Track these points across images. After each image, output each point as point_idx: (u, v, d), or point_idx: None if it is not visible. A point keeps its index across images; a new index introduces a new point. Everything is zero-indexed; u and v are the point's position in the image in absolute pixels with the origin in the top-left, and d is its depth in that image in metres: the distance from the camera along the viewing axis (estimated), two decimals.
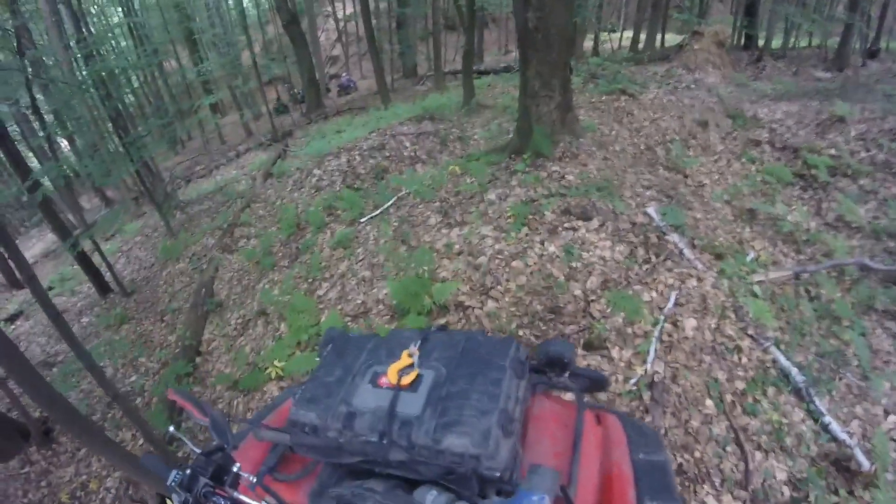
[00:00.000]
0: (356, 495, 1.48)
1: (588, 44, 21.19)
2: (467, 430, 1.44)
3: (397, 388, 1.64)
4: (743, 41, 17.18)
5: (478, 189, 7.48)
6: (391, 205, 8.32)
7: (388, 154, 10.13)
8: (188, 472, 1.57)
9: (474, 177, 7.92)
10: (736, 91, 11.78)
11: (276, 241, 9.12)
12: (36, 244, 21.51)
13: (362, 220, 8.26)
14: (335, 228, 8.42)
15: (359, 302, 6.42)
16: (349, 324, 6.09)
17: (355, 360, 1.84)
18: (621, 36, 24.12)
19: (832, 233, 6.76)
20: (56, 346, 10.49)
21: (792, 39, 18.20)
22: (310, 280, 7.57)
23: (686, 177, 7.87)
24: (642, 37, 19.05)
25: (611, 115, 9.87)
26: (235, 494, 1.59)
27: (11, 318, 13.16)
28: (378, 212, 8.28)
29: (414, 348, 1.79)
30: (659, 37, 18.64)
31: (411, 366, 1.72)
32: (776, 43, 17.67)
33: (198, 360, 7.92)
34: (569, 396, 3.02)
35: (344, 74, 27.12)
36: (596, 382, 2.18)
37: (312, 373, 1.88)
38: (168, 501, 1.60)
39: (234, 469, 1.63)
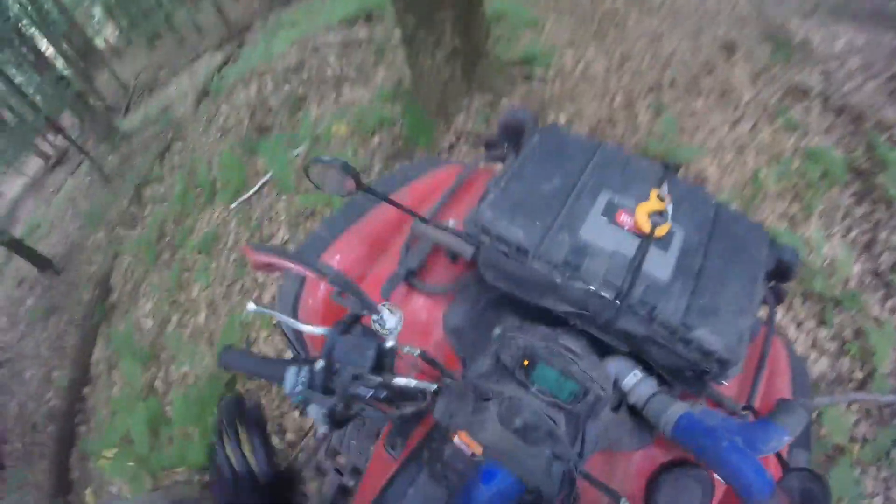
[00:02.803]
0: (550, 351, 1.05)
1: None
2: (723, 326, 1.05)
3: (646, 237, 1.17)
4: None
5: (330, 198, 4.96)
6: (254, 192, 5.83)
7: (306, 76, 7.37)
8: (321, 363, 1.03)
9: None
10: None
11: (170, 215, 6.97)
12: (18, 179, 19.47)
13: (233, 205, 5.70)
14: (212, 211, 5.84)
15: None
16: None
17: (578, 171, 1.30)
18: None
19: (880, 296, 3.86)
20: (5, 337, 9.16)
21: None
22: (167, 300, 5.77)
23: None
24: None
25: (593, 26, 6.50)
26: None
27: None
28: (247, 195, 5.82)
29: (665, 191, 1.25)
30: None
31: (661, 213, 1.20)
32: None
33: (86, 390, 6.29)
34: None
35: None
36: (786, 268, 1.35)
37: (513, 167, 1.31)
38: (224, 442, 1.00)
39: (391, 337, 1.08)
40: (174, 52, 16.34)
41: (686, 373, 1.10)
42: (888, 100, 5.29)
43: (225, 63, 10.96)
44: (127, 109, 14.01)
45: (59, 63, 15.04)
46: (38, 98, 11.34)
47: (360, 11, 8.15)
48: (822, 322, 3.66)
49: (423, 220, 1.39)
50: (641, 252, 1.15)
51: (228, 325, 4.77)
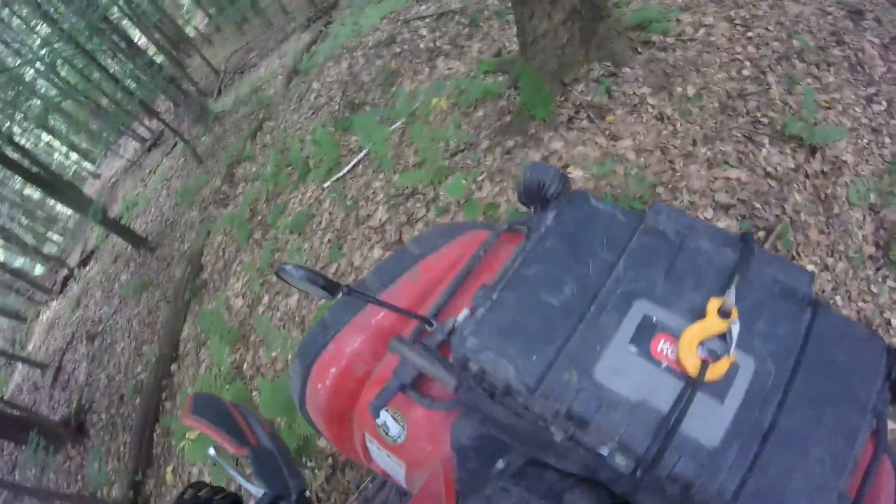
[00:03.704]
0: None
1: None
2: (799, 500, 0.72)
3: (692, 381, 0.80)
4: None
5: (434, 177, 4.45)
6: (349, 170, 5.39)
7: (398, 50, 6.87)
8: None
9: (443, 139, 4.73)
10: None
11: (262, 194, 6.69)
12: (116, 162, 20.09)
13: (326, 183, 5.36)
14: (304, 190, 5.47)
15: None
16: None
17: (604, 270, 0.94)
18: None
19: None
20: (100, 311, 9.37)
21: None
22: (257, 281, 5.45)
23: (814, 153, 3.81)
24: None
25: None
26: None
27: (85, 261, 12.77)
28: (341, 173, 5.44)
29: (732, 300, 0.85)
30: None
31: (723, 336, 0.83)
32: None
33: (173, 367, 6.16)
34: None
35: None
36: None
37: (513, 266, 0.98)
38: None
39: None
40: (262, 35, 16.34)
41: None
42: None
43: (314, 42, 10.72)
44: (219, 92, 14.07)
45: (152, 51, 15.29)
46: (132, 84, 11.34)
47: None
48: None
49: (424, 320, 1.16)
50: (682, 404, 0.80)
51: (320, 310, 4.38)
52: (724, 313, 0.86)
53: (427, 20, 7.05)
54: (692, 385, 0.81)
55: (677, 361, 0.84)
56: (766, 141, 3.87)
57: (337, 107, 6.61)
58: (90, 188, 19.75)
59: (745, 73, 4.44)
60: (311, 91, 7.67)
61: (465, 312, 1.09)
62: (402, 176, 4.62)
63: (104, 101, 13.73)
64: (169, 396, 5.93)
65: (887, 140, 3.92)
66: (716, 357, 0.83)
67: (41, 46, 10.64)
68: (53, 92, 14.85)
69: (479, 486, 0.96)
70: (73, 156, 25.47)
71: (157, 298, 7.66)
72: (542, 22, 3.96)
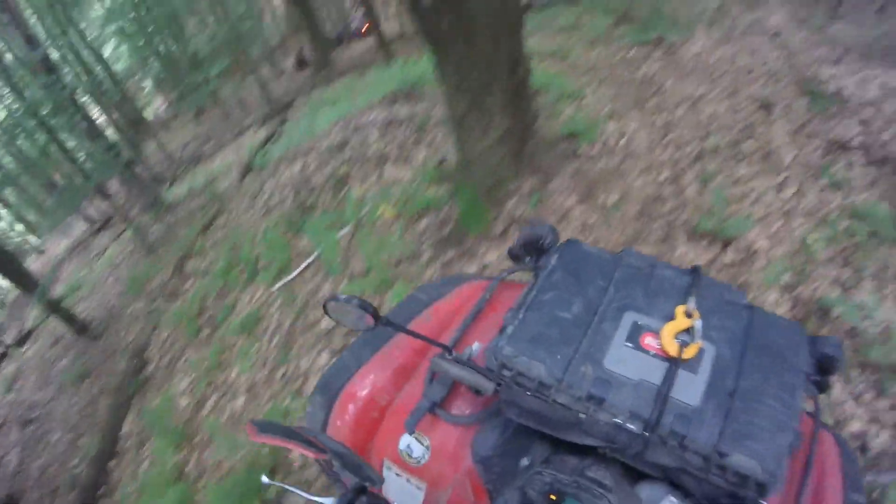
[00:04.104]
0: (578, 486, 1.03)
1: None
2: (760, 448, 1.00)
3: (673, 361, 1.12)
4: None
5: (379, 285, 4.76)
6: (298, 274, 5.60)
7: (349, 155, 7.20)
8: None
9: (388, 248, 5.03)
10: (809, 39, 8.01)
11: (211, 291, 6.74)
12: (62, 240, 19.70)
13: (276, 286, 5.54)
14: (254, 290, 5.59)
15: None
16: None
17: (600, 293, 1.27)
18: None
19: None
20: (35, 396, 8.93)
21: None
22: (204, 380, 5.45)
23: (727, 245, 4.33)
24: None
25: (632, 94, 6.35)
26: None
27: (22, 341, 12.03)
28: (291, 276, 5.61)
29: (693, 306, 1.21)
30: None
31: (690, 332, 1.17)
32: None
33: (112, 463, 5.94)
34: None
35: (355, 16, 21.24)
36: (829, 362, 1.27)
37: (531, 294, 1.28)
38: None
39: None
40: (220, 126, 16.66)
41: (723, 500, 1.04)
42: None
43: (268, 139, 11.04)
44: (172, 181, 14.08)
45: (110, 131, 15.34)
46: (87, 164, 11.37)
47: (401, 89, 8.11)
48: (880, 393, 3.28)
49: (446, 348, 1.35)
50: (669, 378, 1.10)
51: (269, 413, 4.44)
52: (688, 314, 1.18)
53: (377, 127, 7.40)
54: (674, 364, 1.11)
55: (661, 349, 1.14)
56: (681, 240, 4.30)
57: (289, 208, 6.82)
58: (33, 263, 19.22)
59: (663, 177, 4.94)
60: (264, 190, 7.84)
61: (476, 345, 1.40)
62: (349, 284, 4.82)
63: (58, 177, 13.61)
64: (107, 492, 5.68)
65: (798, 221, 4.38)
66: (687, 344, 1.14)
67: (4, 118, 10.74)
68: (10, 162, 14.73)
69: (510, 481, 1.14)
70: (19, 227, 24.83)
71: (98, 390, 7.42)
72: (476, 143, 4.34)
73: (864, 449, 2.92)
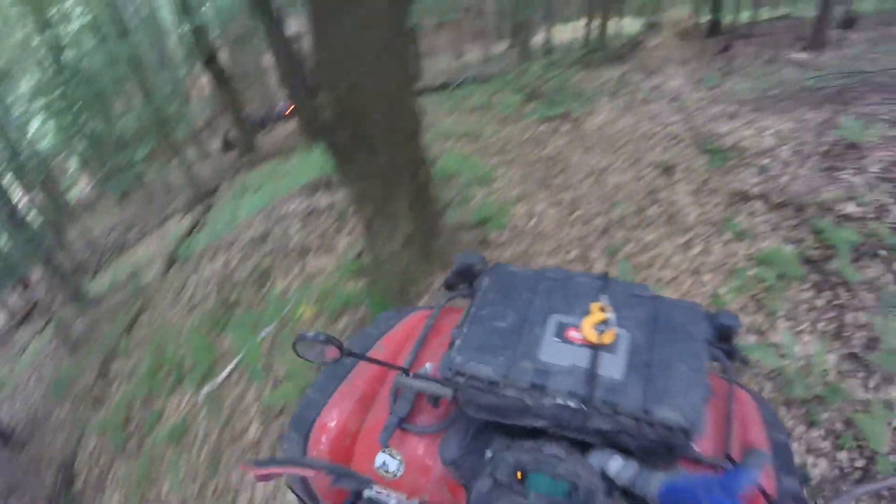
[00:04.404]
0: (538, 461, 1.22)
1: (540, 35, 17.91)
2: (678, 402, 1.21)
3: (595, 347, 1.34)
4: (708, 26, 13.98)
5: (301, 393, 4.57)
6: (223, 379, 5.37)
7: (271, 248, 7.14)
8: None
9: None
10: (705, 97, 8.52)
11: (137, 397, 6.41)
12: None
13: (202, 393, 5.32)
14: (181, 396, 5.41)
15: None
16: None
17: (528, 303, 1.50)
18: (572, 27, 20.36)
19: (861, 379, 3.64)
20: None
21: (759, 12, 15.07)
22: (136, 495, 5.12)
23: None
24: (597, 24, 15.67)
25: (541, 172, 6.60)
26: None
27: None
28: (215, 384, 5.39)
29: (605, 301, 1.45)
30: (614, 25, 15.50)
31: (605, 322, 1.39)
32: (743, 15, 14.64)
33: None
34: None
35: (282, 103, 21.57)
36: (727, 330, 1.61)
37: (471, 312, 1.50)
38: None
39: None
40: (144, 210, 16.31)
41: (659, 449, 1.19)
42: (824, 179, 5.35)
43: (193, 228, 10.90)
44: (96, 271, 13.64)
45: (32, 214, 14.87)
46: (6, 251, 10.97)
47: (321, 177, 8.09)
48: (811, 424, 3.41)
49: (404, 370, 1.51)
50: (594, 360, 1.29)
51: None
52: (602, 309, 1.38)
53: (298, 216, 7.40)
54: (596, 348, 1.30)
55: (584, 339, 1.33)
56: None
57: (212, 305, 6.65)
58: None
59: (572, 255, 5.09)
60: (187, 286, 7.66)
61: (429, 365, 1.56)
62: (272, 392, 4.71)
63: None
64: None
65: (708, 277, 4.60)
66: (604, 332, 1.33)
67: None
68: None
69: (480, 472, 1.26)
70: None
71: None
72: (384, 247, 4.36)
73: (805, 480, 2.94)
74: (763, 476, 1.27)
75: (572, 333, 1.38)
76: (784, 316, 4.19)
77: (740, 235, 5.03)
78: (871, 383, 3.54)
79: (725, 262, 4.78)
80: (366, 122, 3.76)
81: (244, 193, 10.88)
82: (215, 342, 5.96)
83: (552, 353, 1.35)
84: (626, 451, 1.23)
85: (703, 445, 1.35)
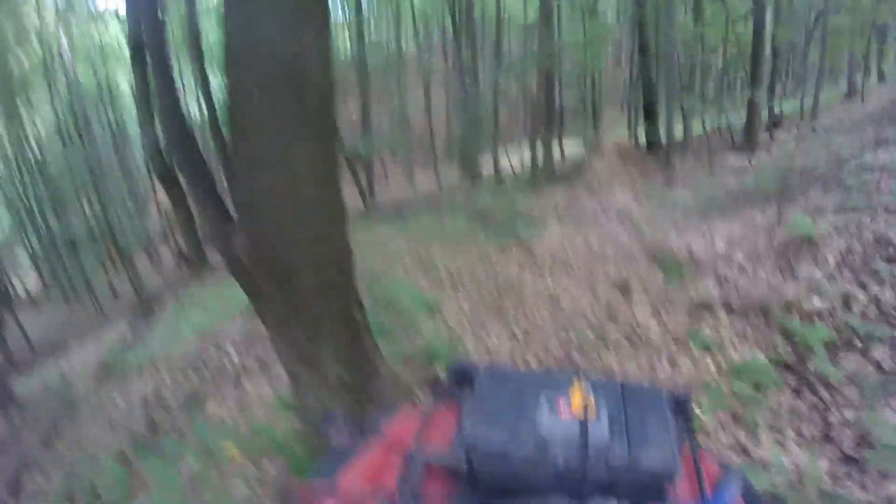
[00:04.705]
0: None
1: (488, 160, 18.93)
2: (657, 451, 1.41)
3: (582, 418, 1.50)
4: (646, 144, 14.68)
5: None
6: None
7: (205, 371, 6.61)
8: None
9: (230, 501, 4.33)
10: (654, 211, 8.63)
11: None
12: None
13: None
14: None
15: None
16: None
17: (520, 389, 1.67)
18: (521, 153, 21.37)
19: (857, 481, 3.38)
20: None
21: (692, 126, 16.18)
22: None
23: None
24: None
25: (493, 301, 6.33)
26: None
27: None
28: None
29: (585, 383, 1.64)
30: (558, 151, 16.30)
31: (587, 399, 1.57)
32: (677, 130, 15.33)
33: None
34: None
35: None
36: (684, 404, 1.86)
37: (473, 398, 1.67)
38: None
39: None
40: (88, 314, 15.78)
41: (648, 492, 1.35)
42: (782, 276, 5.28)
43: (130, 341, 10.50)
44: (27, 371, 13.00)
45: None
46: None
47: None
48: None
49: (418, 447, 1.58)
50: (584, 429, 1.41)
51: None
52: (582, 389, 1.49)
53: (235, 341, 6.97)
54: (585, 421, 1.38)
55: (572, 412, 1.42)
56: None
57: (137, 429, 5.99)
58: None
59: None
60: (115, 402, 7.03)
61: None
62: None
63: None
64: None
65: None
66: (588, 406, 1.42)
67: None
68: None
69: None
70: None
71: None
72: (306, 396, 3.80)
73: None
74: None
75: (562, 409, 1.50)
76: (766, 427, 3.96)
77: (707, 347, 4.83)
78: (869, 482, 3.31)
79: (697, 378, 4.55)
80: (286, 265, 3.32)
81: (188, 309, 10.39)
82: (132, 472, 5.36)
83: (549, 426, 1.46)
84: (619, 499, 1.36)
85: (681, 488, 1.48)
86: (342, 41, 30.82)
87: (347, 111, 21.67)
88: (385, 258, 8.30)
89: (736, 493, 1.33)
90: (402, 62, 26.85)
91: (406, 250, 8.63)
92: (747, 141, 12.94)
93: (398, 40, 27.38)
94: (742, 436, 3.93)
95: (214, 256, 16.43)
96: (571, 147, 17.84)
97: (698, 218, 7.62)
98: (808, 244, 5.56)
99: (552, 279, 6.48)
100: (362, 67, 19.04)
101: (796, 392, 4.21)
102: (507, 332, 5.52)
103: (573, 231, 8.11)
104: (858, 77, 17.62)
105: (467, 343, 5.35)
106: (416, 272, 7.52)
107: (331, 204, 3.50)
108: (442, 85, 27.69)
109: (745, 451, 3.80)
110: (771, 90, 14.71)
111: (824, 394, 4.10)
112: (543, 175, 13.44)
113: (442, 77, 28.16)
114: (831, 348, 4.40)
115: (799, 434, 3.84)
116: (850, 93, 17.83)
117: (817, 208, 6.27)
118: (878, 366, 4.21)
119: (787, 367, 4.42)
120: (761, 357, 4.56)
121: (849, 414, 3.82)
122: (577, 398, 1.55)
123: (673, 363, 4.79)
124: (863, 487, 3.30)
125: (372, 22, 32.20)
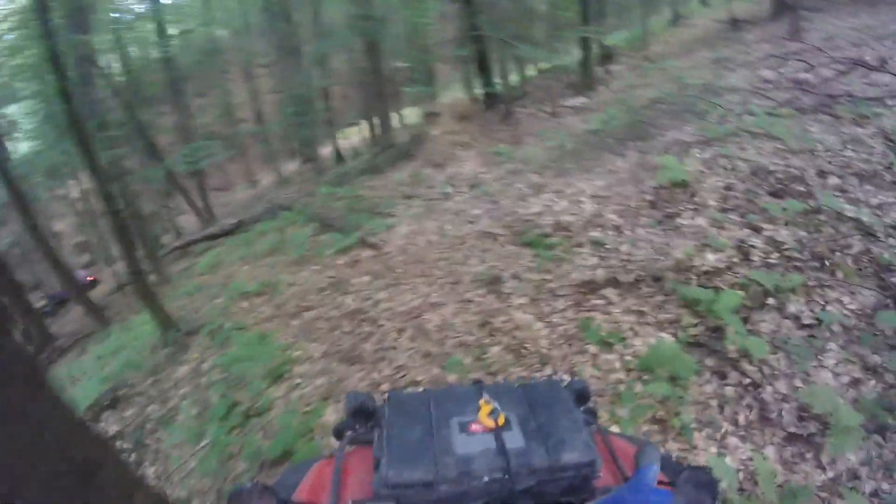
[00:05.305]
0: None
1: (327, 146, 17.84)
2: (574, 445, 1.45)
3: (495, 430, 1.54)
4: (484, 100, 13.95)
5: None
6: None
7: None
8: None
9: None
10: (504, 175, 7.78)
11: None
12: None
13: None
14: None
15: None
16: None
17: (428, 416, 1.65)
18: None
19: (813, 461, 2.92)
20: None
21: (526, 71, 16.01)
22: None
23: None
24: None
25: (348, 337, 5.00)
26: None
27: None
28: None
29: (487, 397, 1.65)
30: (398, 122, 15.51)
31: (494, 410, 1.60)
32: (512, 79, 15.06)
33: None
34: None
35: (79, 270, 18.16)
36: (582, 392, 1.86)
37: (384, 437, 1.60)
38: None
39: None
40: None
41: (574, 487, 1.37)
42: (664, 231, 4.76)
43: None
44: None
45: None
46: None
47: (114, 388, 6.11)
48: None
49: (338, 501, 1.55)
50: (499, 439, 1.46)
51: None
52: (487, 402, 1.55)
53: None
54: (496, 431, 1.47)
55: (484, 427, 1.49)
56: None
57: None
58: None
59: None
60: None
61: (350, 502, 1.53)
62: None
63: None
64: None
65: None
66: (496, 417, 1.49)
67: None
68: None
69: None
70: None
71: None
72: None
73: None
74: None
75: (474, 426, 1.52)
76: (697, 426, 3.28)
77: (606, 342, 3.99)
78: (825, 459, 2.89)
79: (605, 388, 3.69)
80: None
81: (96, 367, 7.99)
82: None
83: (464, 444, 1.46)
84: (550, 500, 1.38)
85: (603, 475, 1.43)
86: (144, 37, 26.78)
87: (164, 121, 19.08)
88: (229, 294, 6.92)
89: (656, 467, 1.27)
90: (219, 52, 24.25)
91: (248, 276, 7.30)
92: (584, 79, 12.65)
93: (208, 27, 24.39)
94: (674, 445, 3.23)
95: (58, 326, 14.29)
96: (413, 116, 16.93)
97: (554, 175, 6.84)
98: (682, 188, 4.93)
99: (410, 290, 5.34)
100: (171, 66, 17.06)
101: (719, 374, 3.54)
102: (371, 383, 4.34)
103: (423, 216, 7.08)
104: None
105: (327, 415, 4.16)
106: (261, 306, 6.17)
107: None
108: (266, 70, 25.59)
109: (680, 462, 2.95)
110: (599, 25, 14.61)
111: (749, 368, 3.47)
112: (382, 152, 12.42)
113: (265, 61, 25.98)
114: (743, 312, 3.75)
115: (734, 423, 3.26)
116: (676, 19, 18.51)
117: (679, 144, 5.71)
118: (797, 320, 3.63)
119: (700, 345, 3.73)
120: (668, 339, 3.83)
121: (782, 386, 3.29)
122: (484, 410, 1.55)
123: (571, 372, 3.95)
124: (821, 467, 2.87)
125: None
